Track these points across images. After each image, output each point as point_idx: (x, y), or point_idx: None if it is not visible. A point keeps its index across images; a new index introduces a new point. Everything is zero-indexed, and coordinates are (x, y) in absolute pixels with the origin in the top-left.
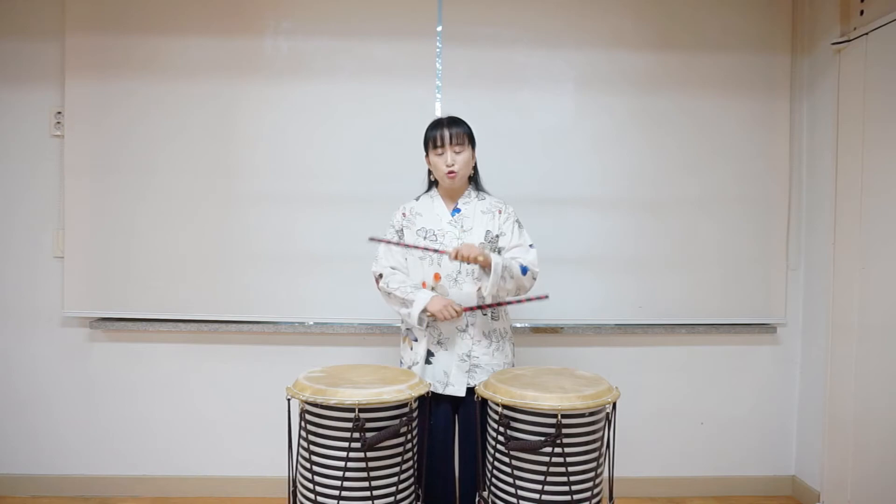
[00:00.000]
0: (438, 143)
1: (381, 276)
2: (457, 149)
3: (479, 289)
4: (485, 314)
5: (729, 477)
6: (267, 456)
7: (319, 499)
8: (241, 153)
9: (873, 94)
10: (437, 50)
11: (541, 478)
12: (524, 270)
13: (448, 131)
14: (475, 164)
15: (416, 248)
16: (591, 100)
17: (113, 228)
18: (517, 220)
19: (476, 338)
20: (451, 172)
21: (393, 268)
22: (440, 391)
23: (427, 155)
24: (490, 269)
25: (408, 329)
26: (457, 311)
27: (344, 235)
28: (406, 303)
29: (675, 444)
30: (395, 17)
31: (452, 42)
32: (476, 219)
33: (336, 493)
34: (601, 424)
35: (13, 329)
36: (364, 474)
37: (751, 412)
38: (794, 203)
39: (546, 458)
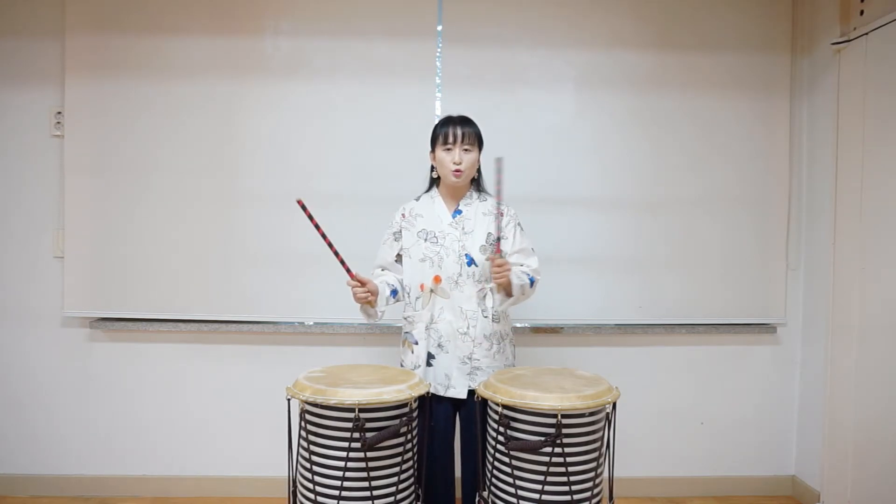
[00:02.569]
0: (449, 140)
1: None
2: (466, 147)
3: (485, 297)
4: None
5: (729, 477)
6: (267, 456)
7: (319, 499)
8: (241, 153)
9: (873, 95)
10: (437, 50)
11: (541, 478)
12: (532, 282)
13: (460, 129)
14: (479, 166)
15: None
16: (592, 100)
17: (113, 228)
18: (518, 224)
19: (477, 340)
20: (457, 171)
21: (382, 268)
22: (441, 394)
23: (433, 151)
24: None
25: (406, 332)
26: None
27: (344, 235)
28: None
29: (675, 444)
30: (395, 16)
31: (452, 42)
32: (477, 220)
33: (336, 493)
34: (601, 424)
35: (13, 329)
36: (364, 474)
37: (751, 412)
38: (794, 203)
39: (546, 458)
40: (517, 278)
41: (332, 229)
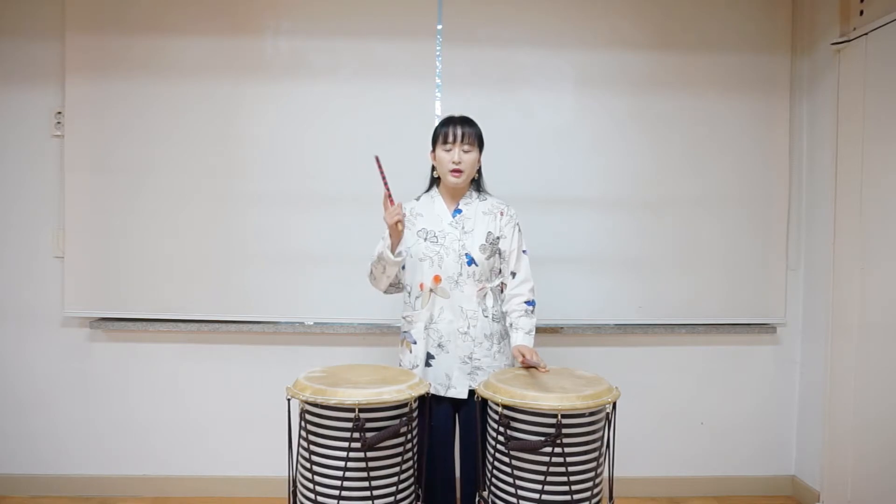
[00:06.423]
0: (449, 139)
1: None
2: (466, 148)
3: (486, 296)
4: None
5: (729, 477)
6: (267, 456)
7: (319, 499)
8: (241, 153)
9: (873, 95)
10: (437, 49)
11: (541, 478)
12: (531, 305)
13: (461, 129)
14: (479, 167)
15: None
16: (592, 99)
17: (113, 228)
18: (517, 224)
19: (477, 340)
20: (456, 171)
21: None
22: (442, 394)
23: (433, 150)
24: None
25: (405, 332)
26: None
27: (343, 235)
28: (380, 255)
29: (675, 444)
30: (395, 16)
31: (452, 41)
32: (477, 220)
33: (336, 493)
34: (601, 424)
35: (13, 329)
36: (364, 474)
37: (751, 412)
38: (794, 203)
39: (546, 458)
40: (531, 336)
41: (331, 229)
